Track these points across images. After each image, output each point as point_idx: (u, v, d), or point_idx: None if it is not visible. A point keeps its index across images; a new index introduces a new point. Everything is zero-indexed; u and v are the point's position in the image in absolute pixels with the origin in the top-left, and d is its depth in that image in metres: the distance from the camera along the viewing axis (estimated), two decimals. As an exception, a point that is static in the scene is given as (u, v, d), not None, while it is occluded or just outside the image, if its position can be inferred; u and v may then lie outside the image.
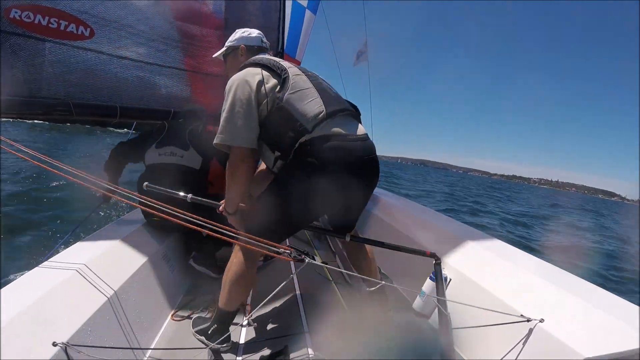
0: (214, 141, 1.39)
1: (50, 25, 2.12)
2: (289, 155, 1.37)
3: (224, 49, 1.70)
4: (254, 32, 1.68)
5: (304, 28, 4.01)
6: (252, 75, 1.39)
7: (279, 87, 1.37)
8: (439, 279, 1.60)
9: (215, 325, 1.52)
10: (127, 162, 2.32)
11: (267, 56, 1.52)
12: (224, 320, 1.52)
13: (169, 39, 2.74)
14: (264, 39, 1.69)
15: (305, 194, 1.35)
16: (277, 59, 1.47)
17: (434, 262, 1.62)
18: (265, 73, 1.40)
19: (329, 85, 1.52)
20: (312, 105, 1.37)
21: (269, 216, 1.39)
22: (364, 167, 1.41)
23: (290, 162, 1.38)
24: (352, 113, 1.50)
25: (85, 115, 2.37)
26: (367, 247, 1.73)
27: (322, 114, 1.36)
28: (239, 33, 1.67)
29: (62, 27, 2.16)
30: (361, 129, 1.49)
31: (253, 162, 1.44)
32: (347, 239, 1.69)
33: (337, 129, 1.37)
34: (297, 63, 4.00)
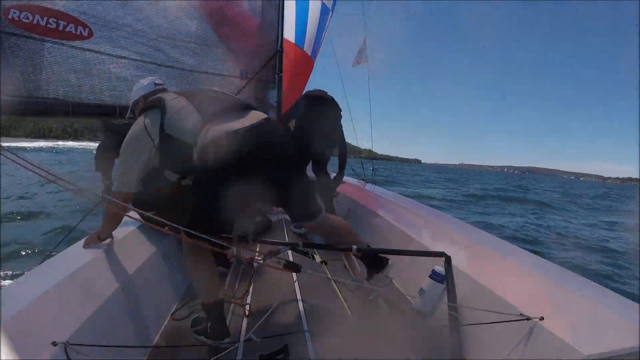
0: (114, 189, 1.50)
1: (49, 25, 2.12)
2: (192, 172, 1.48)
3: (131, 105, 1.82)
4: (146, 81, 1.77)
5: (310, 19, 3.93)
6: (138, 128, 1.49)
7: (160, 118, 1.46)
8: (449, 277, 1.61)
9: (209, 322, 1.54)
10: (116, 157, 2.34)
11: (156, 96, 1.59)
12: (212, 314, 1.53)
13: (168, 37, 2.74)
14: (157, 81, 1.77)
15: (218, 197, 1.42)
16: (162, 95, 1.55)
17: (444, 260, 1.62)
18: (149, 115, 1.49)
19: (218, 95, 1.56)
20: (190, 120, 1.42)
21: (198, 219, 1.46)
22: (259, 156, 1.43)
23: (196, 175, 1.50)
24: (239, 107, 1.54)
25: (85, 115, 2.38)
26: (339, 222, 1.75)
27: (198, 124, 1.41)
28: (134, 87, 1.79)
29: (60, 27, 2.16)
30: (254, 116, 1.50)
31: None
32: (354, 251, 1.69)
33: (220, 129, 1.40)
34: (307, 57, 3.95)
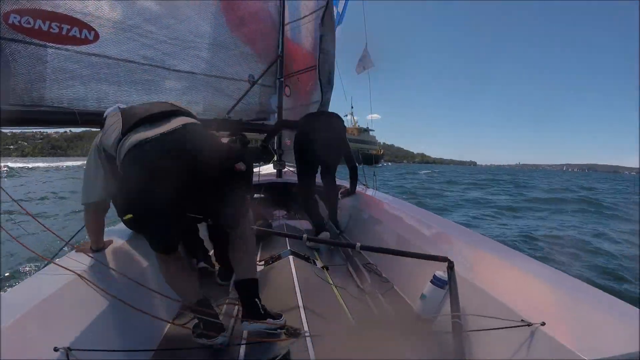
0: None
1: (51, 30, 2.00)
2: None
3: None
4: (110, 108, 1.73)
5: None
6: (93, 145, 1.58)
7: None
8: (452, 283, 1.61)
9: (201, 322, 1.54)
10: None
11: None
12: (199, 313, 1.53)
13: (178, 39, 2.60)
14: (122, 106, 1.70)
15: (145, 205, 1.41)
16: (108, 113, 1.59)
17: (446, 265, 1.60)
18: (99, 133, 1.57)
19: (153, 106, 1.54)
20: (114, 134, 1.45)
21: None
22: (168, 164, 1.38)
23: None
24: (164, 114, 1.50)
25: (92, 124, 2.25)
26: (240, 242, 1.66)
27: (117, 137, 1.42)
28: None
29: (64, 32, 2.03)
30: (172, 124, 1.45)
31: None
32: (357, 248, 1.70)
33: (131, 139, 1.39)
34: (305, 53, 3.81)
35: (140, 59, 2.42)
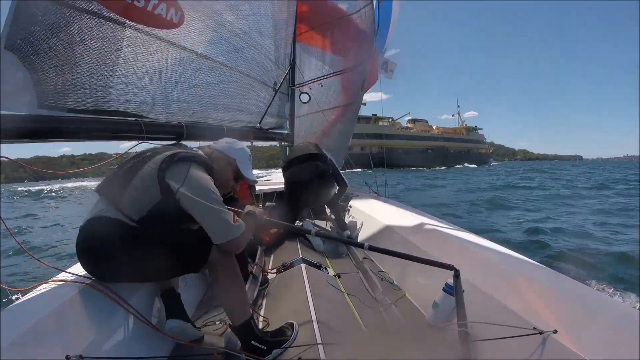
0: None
1: (136, 2, 1.39)
2: None
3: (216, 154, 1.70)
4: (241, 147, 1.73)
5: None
6: None
7: None
8: (458, 292, 1.60)
9: (262, 343, 1.51)
10: None
11: None
12: (249, 330, 1.52)
13: (247, 34, 2.07)
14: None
15: None
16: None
17: (452, 274, 1.62)
18: None
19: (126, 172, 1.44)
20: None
21: None
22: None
23: None
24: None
25: (156, 140, 1.63)
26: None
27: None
28: (229, 145, 1.72)
29: (150, 7, 1.43)
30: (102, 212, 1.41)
31: None
32: (366, 248, 1.73)
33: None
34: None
35: (216, 55, 1.84)
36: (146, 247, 1.36)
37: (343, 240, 2.94)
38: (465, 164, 68.73)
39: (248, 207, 1.69)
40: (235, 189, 2.19)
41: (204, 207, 1.37)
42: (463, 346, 1.43)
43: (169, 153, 1.41)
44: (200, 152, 1.55)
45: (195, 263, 1.47)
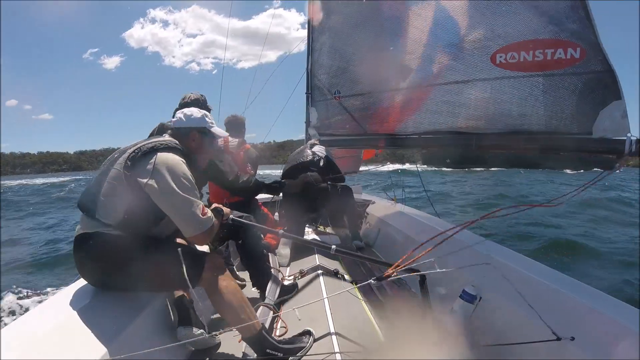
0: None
1: (535, 58, 1.90)
2: None
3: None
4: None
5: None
6: None
7: None
8: (425, 294, 1.81)
9: (283, 348, 1.56)
10: None
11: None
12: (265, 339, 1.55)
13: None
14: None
15: None
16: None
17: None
18: None
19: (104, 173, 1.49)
20: None
21: None
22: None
23: None
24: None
25: None
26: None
27: None
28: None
29: (548, 57, 1.87)
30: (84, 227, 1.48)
31: None
32: (332, 252, 1.95)
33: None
34: None
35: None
36: (134, 258, 1.40)
37: (357, 255, 2.65)
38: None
39: (215, 205, 1.77)
40: (234, 169, 2.55)
41: (173, 199, 1.39)
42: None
43: (131, 149, 1.44)
44: (167, 137, 1.57)
45: (190, 279, 1.45)
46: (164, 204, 1.40)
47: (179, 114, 1.68)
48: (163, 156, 1.43)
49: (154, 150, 1.44)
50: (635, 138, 1.55)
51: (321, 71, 3.40)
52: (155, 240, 1.54)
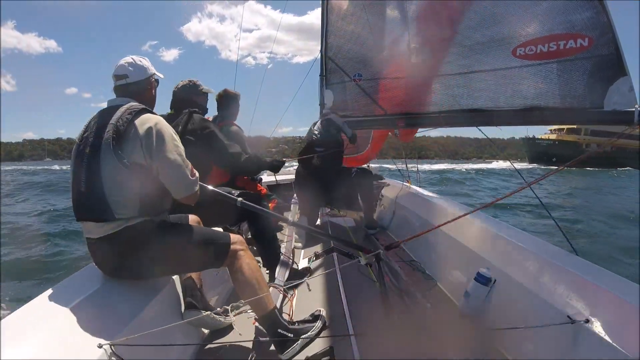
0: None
1: (550, 49, 2.23)
2: None
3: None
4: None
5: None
6: None
7: None
8: (381, 277, 1.90)
9: (295, 329, 1.59)
10: None
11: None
12: (277, 322, 1.56)
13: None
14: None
15: None
16: None
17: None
18: None
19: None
20: None
21: None
22: None
23: None
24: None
25: None
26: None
27: None
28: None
29: (561, 47, 2.19)
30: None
31: None
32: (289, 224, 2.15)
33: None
34: None
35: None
36: (163, 244, 1.41)
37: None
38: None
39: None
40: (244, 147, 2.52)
41: (164, 162, 1.38)
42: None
43: (107, 135, 1.33)
44: (130, 101, 1.46)
45: (217, 259, 1.52)
46: (159, 170, 1.40)
47: (129, 67, 1.52)
48: (144, 122, 1.37)
49: (128, 121, 1.35)
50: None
51: (340, 55, 3.52)
52: (178, 224, 1.57)
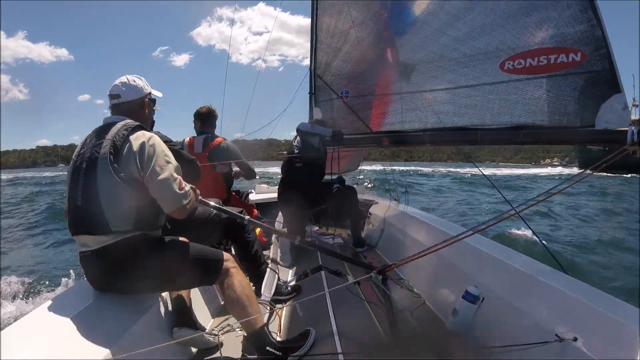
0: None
1: (540, 63, 2.08)
2: None
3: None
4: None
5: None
6: None
7: None
8: (387, 294, 1.92)
9: (282, 351, 1.57)
10: None
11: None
12: (265, 339, 1.57)
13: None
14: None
15: None
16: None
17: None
18: None
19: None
20: None
21: None
22: None
23: None
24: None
25: None
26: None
27: None
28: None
29: (552, 61, 2.04)
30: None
31: None
32: (297, 242, 2.06)
33: None
34: None
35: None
36: (158, 260, 1.43)
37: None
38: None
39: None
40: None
41: (154, 177, 1.39)
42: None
43: (104, 150, 1.37)
44: (125, 119, 1.51)
45: (209, 276, 1.54)
46: (150, 184, 1.41)
47: (122, 87, 1.57)
48: (138, 138, 1.42)
49: (124, 138, 1.40)
50: (637, 129, 1.65)
51: (328, 72, 3.49)
52: (172, 239, 1.57)
